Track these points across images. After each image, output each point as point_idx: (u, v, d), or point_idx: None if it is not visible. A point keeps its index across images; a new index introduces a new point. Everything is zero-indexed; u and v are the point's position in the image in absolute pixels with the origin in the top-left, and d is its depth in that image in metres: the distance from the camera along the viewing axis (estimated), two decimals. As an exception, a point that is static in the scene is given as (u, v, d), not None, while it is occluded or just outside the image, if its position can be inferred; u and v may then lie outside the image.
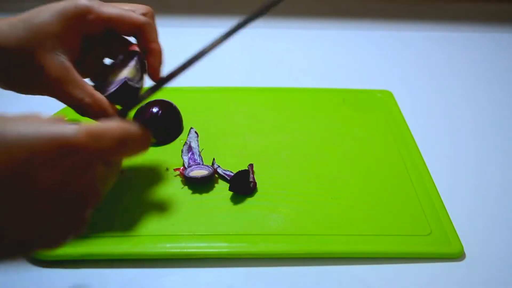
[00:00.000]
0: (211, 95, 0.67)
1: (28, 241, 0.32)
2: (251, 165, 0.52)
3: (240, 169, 0.50)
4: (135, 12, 0.45)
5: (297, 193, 0.51)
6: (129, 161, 0.54)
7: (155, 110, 0.57)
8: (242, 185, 0.50)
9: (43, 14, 0.41)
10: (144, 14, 0.45)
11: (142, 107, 0.58)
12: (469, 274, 0.44)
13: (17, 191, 0.29)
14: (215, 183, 0.52)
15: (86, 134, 0.31)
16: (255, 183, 0.51)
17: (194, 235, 0.46)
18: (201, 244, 0.45)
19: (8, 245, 0.31)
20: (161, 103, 0.58)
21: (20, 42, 0.40)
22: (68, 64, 0.41)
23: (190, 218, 0.48)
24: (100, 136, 0.32)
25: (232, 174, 0.51)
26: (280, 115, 0.63)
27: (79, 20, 0.42)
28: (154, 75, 0.46)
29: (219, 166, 0.53)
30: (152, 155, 0.55)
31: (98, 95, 0.43)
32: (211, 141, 0.58)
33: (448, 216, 0.49)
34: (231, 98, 0.66)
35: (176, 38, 0.85)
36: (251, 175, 0.51)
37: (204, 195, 0.50)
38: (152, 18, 0.46)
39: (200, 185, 0.51)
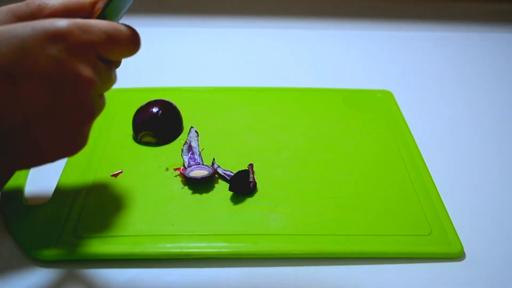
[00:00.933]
0: (211, 95, 0.67)
1: (36, 143, 0.35)
2: (251, 165, 0.52)
3: (240, 169, 0.50)
4: None
5: (297, 193, 0.51)
6: (130, 161, 0.54)
7: (155, 110, 0.57)
8: (242, 185, 0.50)
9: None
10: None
11: (142, 107, 0.58)
12: (469, 274, 0.44)
13: (18, 81, 0.32)
14: (215, 183, 0.52)
15: (74, 24, 0.34)
16: (255, 183, 0.51)
17: (194, 235, 0.46)
18: (201, 244, 0.45)
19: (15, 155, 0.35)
20: (161, 103, 0.58)
21: None
22: None
23: (190, 218, 0.48)
24: (88, 27, 0.35)
25: (232, 174, 0.51)
26: (280, 115, 0.63)
27: (33, 19, 0.41)
28: None
29: (219, 166, 0.53)
30: (152, 155, 0.56)
31: None
32: (211, 141, 0.58)
33: (448, 216, 0.49)
34: (231, 98, 0.66)
35: (176, 38, 0.86)
36: (251, 175, 0.51)
37: (204, 195, 0.50)
38: None
39: (200, 185, 0.51)
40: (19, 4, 0.42)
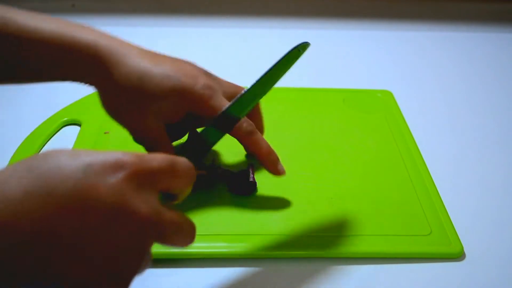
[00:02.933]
0: (211, 95, 0.67)
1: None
2: (251, 165, 0.52)
3: (240, 169, 0.50)
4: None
5: (297, 193, 0.51)
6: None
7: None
8: (241, 186, 0.50)
9: (165, 79, 0.44)
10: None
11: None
12: (469, 274, 0.44)
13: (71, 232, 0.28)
14: (215, 183, 0.52)
15: (134, 155, 0.31)
16: (255, 183, 0.51)
17: (194, 235, 0.46)
18: (201, 244, 0.45)
19: None
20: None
21: (138, 91, 0.43)
22: (163, 129, 0.46)
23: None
24: (149, 157, 0.32)
25: (232, 174, 0.51)
26: (280, 115, 0.63)
27: (189, 106, 0.45)
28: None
29: (219, 166, 0.53)
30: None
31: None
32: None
33: (448, 216, 0.49)
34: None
35: (176, 38, 0.86)
36: (251, 175, 0.51)
37: (204, 195, 0.50)
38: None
39: (200, 185, 0.51)
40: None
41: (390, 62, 0.80)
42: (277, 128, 0.61)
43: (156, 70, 0.44)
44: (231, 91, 0.48)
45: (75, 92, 0.60)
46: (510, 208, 0.52)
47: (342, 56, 0.81)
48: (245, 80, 0.73)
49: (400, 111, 0.65)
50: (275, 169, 0.48)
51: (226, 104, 0.46)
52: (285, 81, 0.72)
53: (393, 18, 0.92)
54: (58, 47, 0.42)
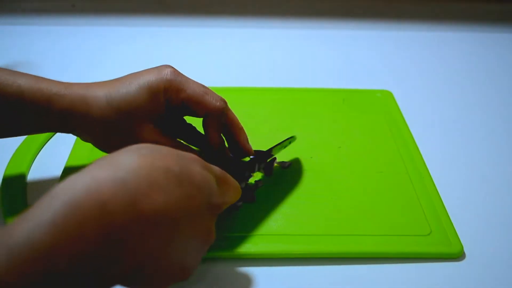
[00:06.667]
0: (211, 95, 0.67)
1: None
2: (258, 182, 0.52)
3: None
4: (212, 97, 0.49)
5: (297, 193, 0.51)
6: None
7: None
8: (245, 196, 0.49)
9: (133, 88, 0.45)
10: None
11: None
12: (469, 274, 0.44)
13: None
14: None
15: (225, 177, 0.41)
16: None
17: (194, 235, 0.46)
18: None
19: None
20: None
21: (119, 116, 0.44)
22: (158, 129, 0.46)
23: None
24: (228, 182, 0.41)
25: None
26: (280, 115, 0.63)
27: (164, 93, 0.45)
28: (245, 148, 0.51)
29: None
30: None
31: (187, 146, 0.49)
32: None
33: (448, 216, 0.49)
34: (231, 98, 0.66)
35: (176, 38, 0.86)
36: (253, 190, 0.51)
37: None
38: (226, 104, 0.50)
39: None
40: (158, 80, 0.45)
41: (390, 62, 0.80)
42: (277, 128, 0.61)
43: (118, 87, 0.45)
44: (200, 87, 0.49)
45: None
46: (510, 208, 0.52)
47: (342, 56, 0.81)
48: (245, 80, 0.73)
49: (399, 111, 0.65)
50: (248, 145, 0.50)
51: (197, 88, 0.47)
52: (285, 82, 0.72)
53: (393, 18, 0.92)
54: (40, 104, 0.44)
